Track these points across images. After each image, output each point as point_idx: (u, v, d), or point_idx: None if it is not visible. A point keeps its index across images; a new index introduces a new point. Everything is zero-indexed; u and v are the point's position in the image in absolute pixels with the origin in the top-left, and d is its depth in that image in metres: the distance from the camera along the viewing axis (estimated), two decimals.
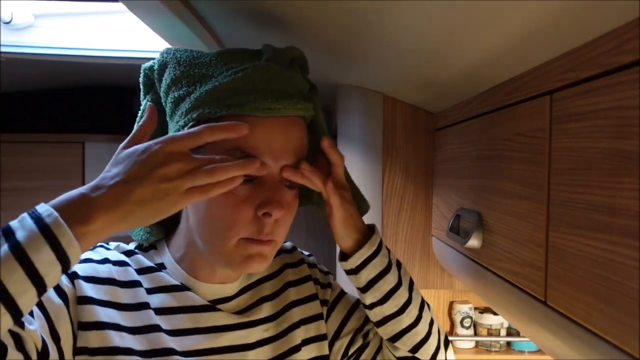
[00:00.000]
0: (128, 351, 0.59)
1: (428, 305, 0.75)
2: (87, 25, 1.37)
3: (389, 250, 0.71)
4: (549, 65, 0.56)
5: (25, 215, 0.48)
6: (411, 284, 0.72)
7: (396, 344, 0.71)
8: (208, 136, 0.54)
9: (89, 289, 0.60)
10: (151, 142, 0.53)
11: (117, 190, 0.50)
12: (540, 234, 0.57)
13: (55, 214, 0.47)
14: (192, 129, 0.54)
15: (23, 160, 1.95)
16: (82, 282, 0.60)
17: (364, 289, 0.69)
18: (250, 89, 0.59)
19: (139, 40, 1.36)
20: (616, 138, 0.42)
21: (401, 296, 0.69)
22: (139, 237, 0.69)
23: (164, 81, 0.65)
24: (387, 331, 0.71)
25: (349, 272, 0.70)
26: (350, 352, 0.75)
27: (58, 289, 0.57)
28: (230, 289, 0.69)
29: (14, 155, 1.94)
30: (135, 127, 0.61)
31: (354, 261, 0.68)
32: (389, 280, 0.69)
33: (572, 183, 0.50)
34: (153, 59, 0.68)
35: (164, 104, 0.67)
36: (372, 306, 0.70)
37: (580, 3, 0.42)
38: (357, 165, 1.15)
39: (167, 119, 0.66)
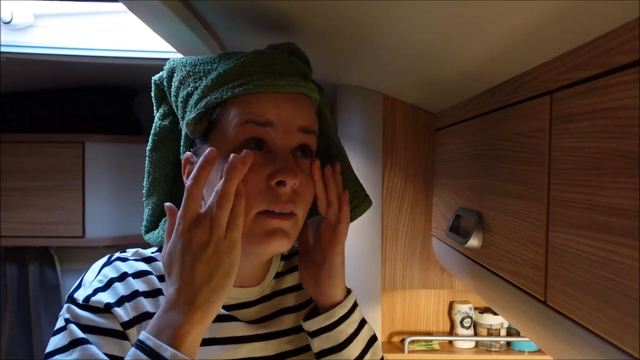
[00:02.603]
0: None
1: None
2: (87, 25, 1.37)
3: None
4: (549, 65, 0.56)
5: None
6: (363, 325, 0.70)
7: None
8: (195, 190, 0.56)
9: (123, 313, 0.59)
10: (172, 239, 0.56)
11: (183, 289, 0.53)
12: (540, 234, 0.57)
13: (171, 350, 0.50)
14: (185, 198, 0.56)
15: (23, 160, 1.95)
16: (117, 310, 0.59)
17: (342, 345, 0.66)
18: (253, 72, 0.61)
19: (139, 40, 1.36)
20: (616, 138, 0.42)
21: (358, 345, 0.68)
22: (157, 241, 0.69)
23: (173, 86, 0.67)
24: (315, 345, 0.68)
25: (325, 329, 0.66)
26: None
27: (115, 333, 0.59)
28: (251, 294, 0.68)
29: (14, 155, 1.94)
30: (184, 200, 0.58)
31: (338, 312, 0.66)
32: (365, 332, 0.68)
33: (572, 183, 0.50)
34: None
35: (175, 109, 0.68)
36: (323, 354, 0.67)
37: (580, 3, 0.42)
38: (357, 165, 1.15)
39: (181, 123, 0.67)
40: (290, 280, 0.74)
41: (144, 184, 0.72)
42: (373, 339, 0.70)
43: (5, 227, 1.92)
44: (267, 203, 0.58)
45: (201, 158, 0.56)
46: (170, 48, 0.86)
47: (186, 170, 0.65)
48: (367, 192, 0.73)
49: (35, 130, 2.02)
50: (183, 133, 0.67)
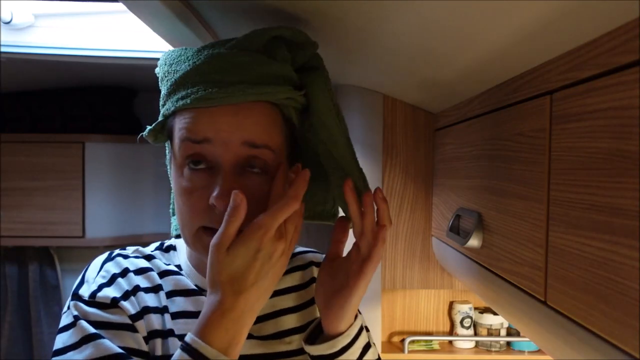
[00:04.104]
0: (145, 354, 0.60)
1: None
2: (87, 25, 1.37)
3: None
4: (549, 65, 0.56)
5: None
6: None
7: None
8: (296, 205, 0.56)
9: (130, 306, 0.61)
10: (253, 241, 0.54)
11: (249, 295, 0.54)
12: (540, 234, 0.56)
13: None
14: (281, 209, 0.55)
15: (23, 160, 1.95)
16: (124, 303, 0.61)
17: (333, 356, 0.64)
18: (198, 81, 0.58)
19: (139, 40, 1.36)
20: (616, 138, 0.42)
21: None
22: (174, 230, 0.72)
23: (160, 82, 0.67)
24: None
25: (326, 357, 0.64)
26: None
27: (126, 327, 0.60)
28: None
29: (14, 155, 1.94)
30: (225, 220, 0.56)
31: (341, 341, 0.64)
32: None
33: (572, 183, 0.50)
34: (153, 59, 0.69)
35: None
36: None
37: (580, 3, 0.42)
38: None
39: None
40: (290, 280, 0.73)
41: (168, 169, 0.73)
42: None
43: (5, 227, 1.92)
44: (208, 220, 0.58)
45: (299, 176, 0.58)
46: (170, 48, 0.86)
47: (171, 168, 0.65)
48: None
49: (35, 130, 2.02)
50: None
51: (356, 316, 0.65)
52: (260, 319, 0.68)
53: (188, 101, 0.57)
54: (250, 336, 0.65)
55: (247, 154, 0.58)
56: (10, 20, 1.29)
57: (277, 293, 0.71)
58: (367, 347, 0.67)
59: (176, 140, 0.60)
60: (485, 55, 0.64)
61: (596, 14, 0.43)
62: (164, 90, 0.63)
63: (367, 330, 0.71)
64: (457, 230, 0.91)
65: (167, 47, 0.83)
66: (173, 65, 0.63)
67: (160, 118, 0.62)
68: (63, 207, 1.96)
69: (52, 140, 1.96)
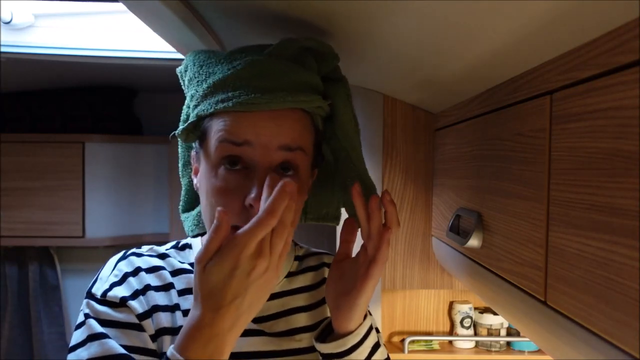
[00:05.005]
0: (151, 352, 0.61)
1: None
2: (87, 25, 1.37)
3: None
4: (549, 65, 0.56)
5: None
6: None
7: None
8: (272, 221, 0.52)
9: (138, 305, 0.62)
10: (228, 258, 0.53)
11: (229, 314, 0.53)
12: (540, 234, 0.57)
13: None
14: (256, 225, 0.52)
15: (23, 160, 1.95)
16: (132, 302, 0.62)
17: (342, 354, 0.65)
18: (239, 85, 0.60)
19: (139, 40, 1.36)
20: (616, 138, 0.42)
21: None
22: (190, 228, 0.73)
23: (186, 82, 0.68)
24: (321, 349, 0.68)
25: (335, 355, 0.65)
26: None
27: (133, 326, 0.61)
28: None
29: (14, 155, 1.95)
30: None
31: (350, 341, 0.65)
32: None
33: (572, 183, 0.50)
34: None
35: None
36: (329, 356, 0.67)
37: (580, 3, 0.42)
38: None
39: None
40: (302, 280, 0.74)
41: (179, 166, 0.76)
42: None
43: (5, 227, 1.92)
44: (242, 220, 0.58)
45: (277, 188, 0.52)
46: (170, 48, 0.86)
47: (193, 169, 0.68)
48: None
49: (35, 130, 2.02)
50: None
51: (366, 316, 0.67)
52: (272, 317, 0.69)
53: (230, 104, 0.59)
54: (262, 333, 0.67)
55: (283, 157, 0.61)
56: (10, 20, 1.29)
57: (289, 293, 0.72)
58: (377, 346, 0.68)
59: (212, 141, 0.61)
60: (485, 55, 0.64)
61: (596, 14, 0.43)
62: (195, 90, 0.64)
63: (378, 331, 0.72)
64: (457, 230, 0.91)
65: (167, 47, 0.83)
66: (204, 67, 0.64)
67: (192, 118, 0.63)
68: (63, 207, 1.96)
69: (52, 140, 1.96)
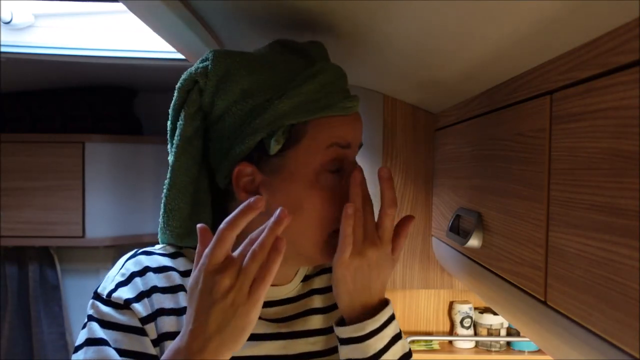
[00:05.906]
0: (152, 358, 0.60)
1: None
2: (87, 25, 1.38)
3: None
4: (548, 66, 0.56)
5: None
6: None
7: None
8: (228, 234, 0.52)
9: (141, 309, 0.61)
10: (195, 273, 0.53)
11: (196, 334, 0.52)
12: (540, 234, 0.57)
13: None
14: (215, 238, 0.52)
15: (23, 160, 1.95)
16: (135, 305, 0.61)
17: (369, 359, 0.64)
18: (329, 91, 0.63)
19: (139, 40, 1.36)
20: (616, 138, 0.42)
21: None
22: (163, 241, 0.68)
23: (225, 88, 0.62)
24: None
25: (354, 340, 0.64)
26: None
27: (135, 330, 0.60)
28: (277, 293, 0.68)
29: (14, 155, 1.95)
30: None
31: (369, 325, 0.64)
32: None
33: (572, 183, 0.50)
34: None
35: (214, 111, 0.64)
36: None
37: (580, 3, 0.42)
38: None
39: (220, 127, 0.63)
40: (319, 282, 0.74)
41: (165, 188, 0.65)
42: (406, 357, 0.67)
43: (5, 227, 1.92)
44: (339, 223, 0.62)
45: (244, 203, 0.52)
46: (170, 48, 0.86)
47: (241, 184, 0.62)
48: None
49: (35, 130, 2.02)
50: (233, 135, 0.63)
51: (387, 304, 0.66)
52: (287, 319, 0.68)
53: (335, 109, 0.62)
54: (277, 337, 0.66)
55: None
56: (10, 20, 1.29)
57: (305, 295, 0.71)
58: (398, 337, 0.66)
59: (311, 148, 0.61)
60: (485, 55, 0.64)
61: (596, 14, 0.43)
62: (261, 98, 0.61)
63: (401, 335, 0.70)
64: (457, 230, 0.91)
65: (167, 47, 0.83)
66: (264, 75, 0.62)
67: (273, 127, 0.60)
68: (63, 207, 1.96)
69: (52, 140, 1.96)
